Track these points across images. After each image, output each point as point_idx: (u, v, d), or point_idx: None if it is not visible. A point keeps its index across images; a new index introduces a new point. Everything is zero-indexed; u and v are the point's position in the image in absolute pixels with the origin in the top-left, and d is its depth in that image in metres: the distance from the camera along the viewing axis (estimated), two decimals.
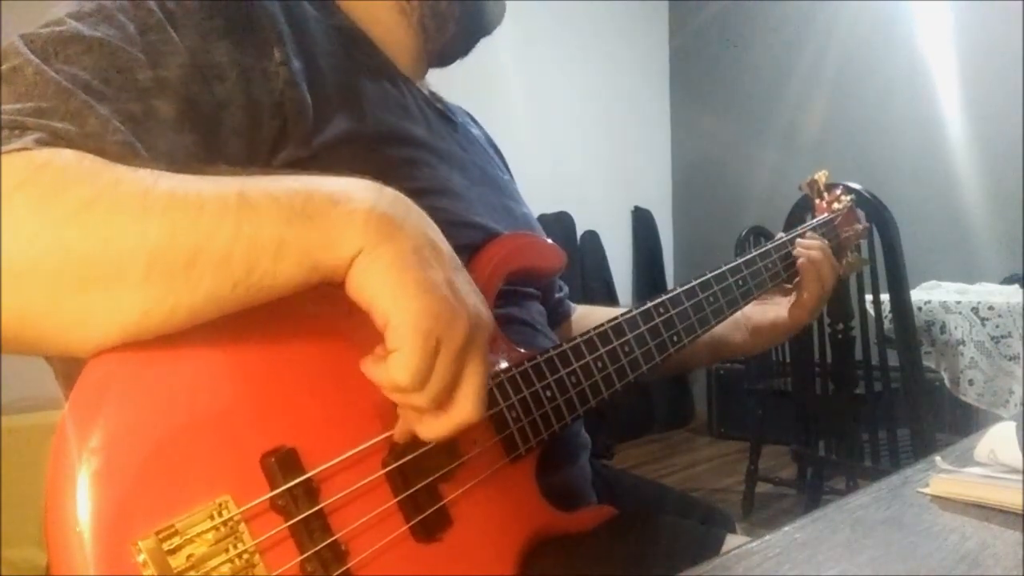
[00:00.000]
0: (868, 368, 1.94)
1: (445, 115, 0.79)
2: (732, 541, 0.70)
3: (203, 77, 0.55)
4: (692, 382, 4.17)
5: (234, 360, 0.46)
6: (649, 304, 0.74)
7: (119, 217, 0.42)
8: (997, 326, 1.97)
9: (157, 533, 0.40)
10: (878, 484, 0.59)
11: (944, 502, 0.55)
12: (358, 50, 0.69)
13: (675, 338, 0.74)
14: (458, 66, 0.82)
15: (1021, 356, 1.92)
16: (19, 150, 0.43)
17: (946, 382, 2.02)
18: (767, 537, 0.49)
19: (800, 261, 0.88)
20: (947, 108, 3.36)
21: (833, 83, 3.70)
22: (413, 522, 0.51)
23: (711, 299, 0.79)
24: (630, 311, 0.72)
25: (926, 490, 0.57)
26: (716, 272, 0.81)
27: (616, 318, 0.71)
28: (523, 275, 0.70)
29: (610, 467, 0.90)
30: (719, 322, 0.80)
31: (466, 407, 0.48)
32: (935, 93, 3.39)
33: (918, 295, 2.10)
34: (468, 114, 0.91)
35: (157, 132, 0.51)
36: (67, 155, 0.45)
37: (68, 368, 0.44)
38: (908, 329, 1.83)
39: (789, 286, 0.91)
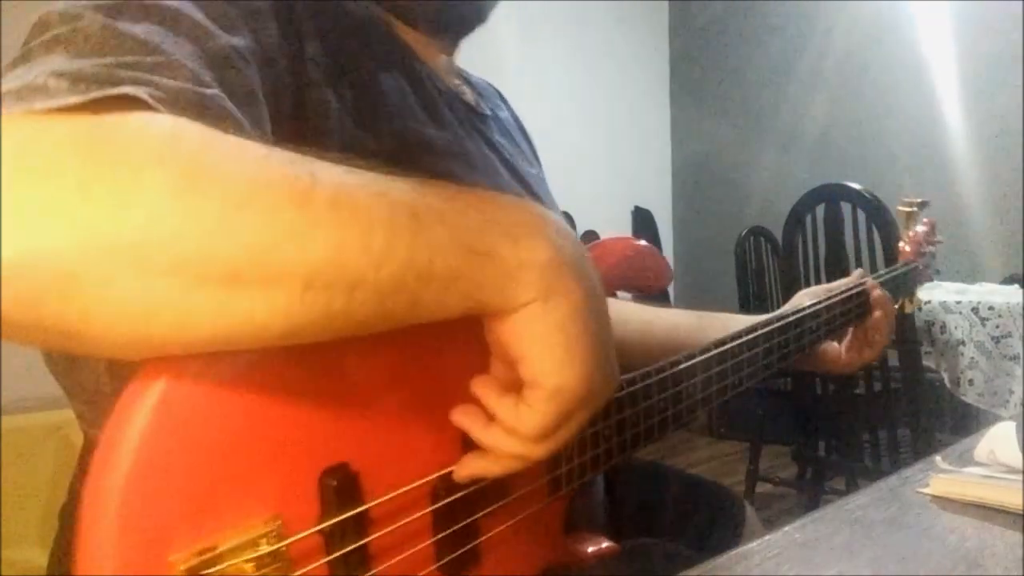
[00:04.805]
0: (868, 368, 1.94)
1: (472, 107, 0.74)
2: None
3: (263, 56, 0.50)
4: None
5: (302, 368, 0.42)
6: (729, 344, 0.69)
7: (273, 223, 0.35)
8: (997, 326, 1.97)
9: (199, 553, 0.37)
10: (878, 484, 0.59)
11: (944, 502, 0.55)
12: (380, 44, 0.65)
13: (737, 382, 0.71)
14: (460, 66, 0.80)
15: (1021, 356, 1.92)
16: (120, 99, 0.37)
17: (946, 382, 2.02)
18: (767, 537, 0.49)
19: (877, 315, 0.88)
20: (947, 108, 3.36)
21: (833, 83, 3.70)
22: (443, 561, 0.48)
23: (783, 343, 0.76)
24: (710, 348, 0.68)
25: (926, 490, 0.57)
26: (796, 316, 0.78)
27: (693, 355, 0.66)
28: (627, 290, 0.67)
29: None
30: (782, 367, 0.77)
31: (540, 450, 0.45)
32: (935, 93, 3.39)
33: (918, 295, 2.09)
34: (498, 93, 0.86)
35: (231, 105, 0.45)
36: (190, 127, 0.38)
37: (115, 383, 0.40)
38: (908, 329, 1.83)
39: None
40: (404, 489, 0.45)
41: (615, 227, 4.10)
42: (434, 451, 0.47)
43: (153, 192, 0.34)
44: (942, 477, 0.57)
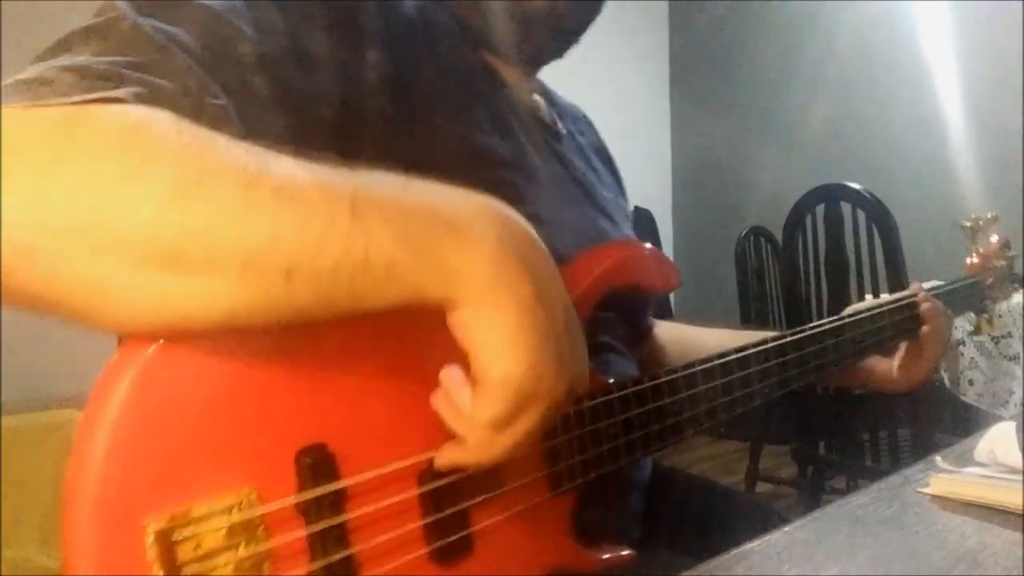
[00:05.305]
0: None
1: (546, 123, 0.74)
2: None
3: (301, 63, 0.52)
4: None
5: (284, 347, 0.43)
6: (751, 349, 0.67)
7: (217, 208, 0.38)
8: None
9: (171, 518, 0.38)
10: (878, 484, 0.59)
11: (944, 502, 0.55)
12: (454, 54, 0.65)
13: (766, 390, 0.68)
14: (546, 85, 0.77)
15: (1021, 356, 1.92)
16: (112, 100, 0.40)
17: (946, 382, 2.02)
18: (767, 537, 0.50)
19: (925, 329, 0.84)
20: (948, 108, 3.36)
21: (834, 83, 3.69)
22: (434, 547, 0.48)
23: (818, 353, 0.72)
24: (730, 353, 0.66)
25: (926, 490, 0.57)
26: (831, 326, 0.75)
27: (712, 358, 0.64)
28: (626, 292, 0.63)
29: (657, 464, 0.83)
30: (819, 378, 0.75)
31: (503, 440, 0.45)
32: (936, 93, 3.38)
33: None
34: (585, 118, 0.86)
35: (251, 109, 0.48)
36: (163, 119, 0.40)
37: None
38: None
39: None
40: (381, 471, 0.46)
41: None
42: (423, 437, 0.48)
43: (105, 176, 0.37)
44: (942, 477, 0.57)
